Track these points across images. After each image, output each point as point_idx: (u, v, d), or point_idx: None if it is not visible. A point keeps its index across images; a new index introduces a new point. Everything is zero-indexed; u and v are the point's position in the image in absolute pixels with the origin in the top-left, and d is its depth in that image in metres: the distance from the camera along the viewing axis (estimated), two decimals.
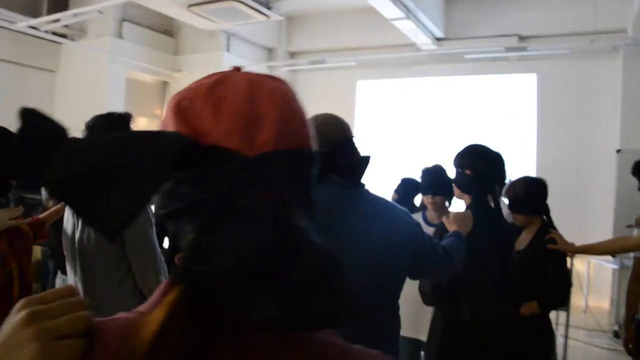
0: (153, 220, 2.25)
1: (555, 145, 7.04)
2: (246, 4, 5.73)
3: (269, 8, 6.05)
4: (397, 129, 8.08)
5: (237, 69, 0.66)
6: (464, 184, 2.27)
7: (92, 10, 5.58)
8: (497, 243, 2.17)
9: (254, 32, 8.45)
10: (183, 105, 0.60)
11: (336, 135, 1.73)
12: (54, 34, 7.87)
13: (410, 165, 7.48)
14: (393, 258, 1.65)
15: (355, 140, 1.80)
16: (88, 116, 7.58)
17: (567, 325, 4.15)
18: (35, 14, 7.63)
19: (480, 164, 2.23)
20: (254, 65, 8.24)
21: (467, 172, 2.25)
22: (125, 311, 2.19)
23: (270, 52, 9.10)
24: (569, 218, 6.40)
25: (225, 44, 8.25)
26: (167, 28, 8.69)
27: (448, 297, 2.20)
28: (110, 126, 2.29)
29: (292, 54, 9.12)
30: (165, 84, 8.81)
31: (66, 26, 8.12)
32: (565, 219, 6.02)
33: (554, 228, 2.80)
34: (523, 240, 2.86)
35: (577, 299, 5.74)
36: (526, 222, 2.84)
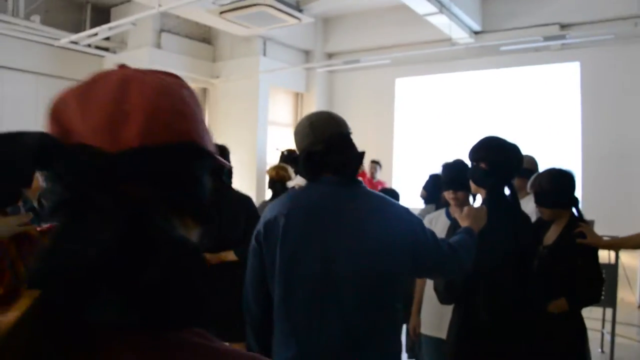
0: None
1: (600, 135, 6.73)
2: (276, 8, 5.75)
3: (299, 10, 6.06)
4: (437, 125, 7.93)
5: (121, 67, 0.64)
6: (479, 177, 2.18)
7: (126, 22, 5.74)
8: (515, 238, 2.07)
9: (290, 35, 8.49)
10: (57, 106, 0.59)
11: (329, 133, 1.69)
12: (97, 47, 8.17)
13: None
14: (389, 256, 1.59)
15: (350, 136, 1.76)
16: None
17: (613, 322, 3.95)
18: (79, 29, 7.94)
19: (495, 156, 2.14)
20: (290, 67, 8.27)
21: (482, 165, 2.17)
22: None
23: (307, 54, 9.12)
24: (614, 209, 6.12)
25: (262, 49, 8.33)
26: (205, 36, 8.86)
27: (464, 296, 2.13)
28: None
29: (330, 55, 9.10)
30: (205, 90, 8.97)
31: (108, 39, 8.42)
32: (610, 210, 5.83)
33: (584, 221, 2.66)
34: (551, 235, 2.73)
35: (627, 295, 5.45)
36: (553, 216, 2.71)
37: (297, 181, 4.20)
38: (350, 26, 8.76)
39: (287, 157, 5.37)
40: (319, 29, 8.99)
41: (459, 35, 6.99)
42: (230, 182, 3.32)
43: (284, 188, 4.37)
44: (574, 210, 2.73)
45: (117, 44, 8.39)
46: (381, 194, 1.76)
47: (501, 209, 2.10)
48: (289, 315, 1.62)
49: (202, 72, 8.53)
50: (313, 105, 9.05)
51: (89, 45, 8.05)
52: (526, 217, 2.24)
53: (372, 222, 1.62)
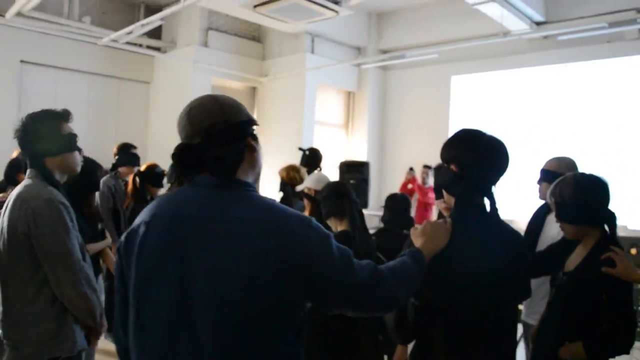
0: (73, 227, 1.97)
1: None
2: (309, 0, 5.38)
3: (336, 2, 5.64)
4: (496, 126, 7.22)
5: None
6: (448, 183, 1.68)
7: (156, 19, 5.59)
8: (490, 263, 1.55)
9: (340, 31, 8.11)
10: None
11: (209, 122, 1.31)
12: (149, 47, 8.18)
13: (513, 164, 6.61)
14: (265, 282, 1.18)
15: (245, 126, 1.35)
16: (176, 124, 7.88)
17: None
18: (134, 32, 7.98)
19: (467, 156, 1.63)
20: (337, 64, 7.86)
21: (452, 167, 1.66)
22: (44, 322, 1.95)
23: (359, 51, 8.67)
24: None
25: (309, 46, 7.99)
26: (254, 34, 8.65)
27: (417, 335, 1.63)
28: (42, 123, 2.06)
29: (383, 52, 8.59)
30: (254, 89, 8.75)
31: (159, 39, 8.43)
32: None
33: (617, 244, 2.05)
34: (574, 259, 2.15)
35: None
36: (578, 235, 2.13)
37: (307, 184, 3.79)
38: (405, 21, 8.25)
39: (310, 157, 4.96)
40: (373, 25, 8.53)
41: (519, 27, 6.26)
42: None
43: (295, 192, 3.97)
44: (606, 228, 2.13)
45: (168, 43, 8.37)
46: (273, 200, 1.33)
47: (472, 224, 1.58)
48: (140, 353, 1.25)
49: (250, 71, 8.32)
50: (365, 104, 8.60)
51: (140, 45, 8.09)
52: (514, 236, 1.70)
53: (247, 237, 1.21)
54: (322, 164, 6.24)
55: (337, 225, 2.63)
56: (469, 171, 1.63)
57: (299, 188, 3.88)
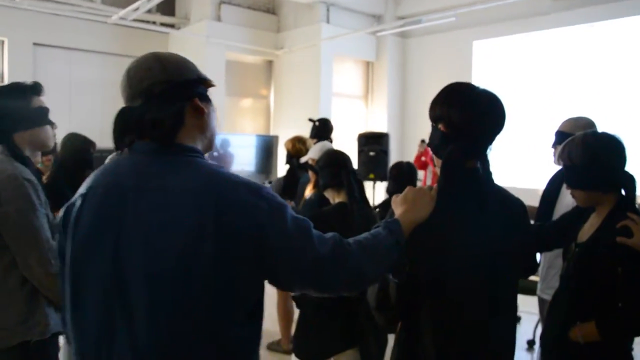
0: (41, 205, 1.86)
1: None
2: None
3: None
4: (522, 92, 6.90)
5: None
6: (435, 144, 1.49)
7: None
8: (482, 235, 1.37)
9: (355, 0, 7.83)
10: None
11: (149, 82, 1.17)
12: (162, 24, 8.06)
13: (538, 130, 6.32)
14: (210, 258, 1.05)
15: (191, 84, 1.20)
16: None
17: None
18: (148, 9, 7.86)
19: (454, 113, 1.43)
20: (352, 32, 7.59)
21: (440, 127, 1.47)
22: (13, 305, 1.85)
23: (378, 19, 8.36)
24: None
25: (325, 15, 7.74)
26: (269, 6, 8.43)
27: (402, 316, 1.46)
28: (9, 97, 1.95)
29: (402, 19, 8.27)
30: (270, 63, 8.56)
31: (173, 16, 8.30)
32: None
33: (636, 211, 1.83)
34: (588, 229, 1.94)
35: None
36: (591, 202, 1.91)
37: (310, 155, 3.63)
38: None
39: (319, 129, 4.78)
40: None
41: None
42: None
43: (300, 164, 3.81)
44: (623, 193, 1.91)
45: (181, 19, 8.23)
46: (220, 167, 1.18)
47: (461, 191, 1.40)
48: (78, 337, 1.14)
49: (266, 44, 8.13)
50: (384, 74, 8.33)
51: (154, 23, 7.98)
52: (513, 204, 1.50)
53: (184, 208, 1.07)
54: (341, 136, 6.07)
55: (334, 197, 2.47)
56: (457, 131, 1.43)
57: (303, 160, 3.72)
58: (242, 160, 7.74)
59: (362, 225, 2.32)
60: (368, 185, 8.01)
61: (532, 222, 2.70)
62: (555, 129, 2.81)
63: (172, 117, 1.17)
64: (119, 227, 1.11)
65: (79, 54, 7.65)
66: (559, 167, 2.76)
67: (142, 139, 1.17)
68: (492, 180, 1.47)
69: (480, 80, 7.38)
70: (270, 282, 1.18)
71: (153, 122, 1.14)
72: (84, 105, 7.61)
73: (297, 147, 3.91)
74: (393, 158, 7.61)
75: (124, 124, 1.18)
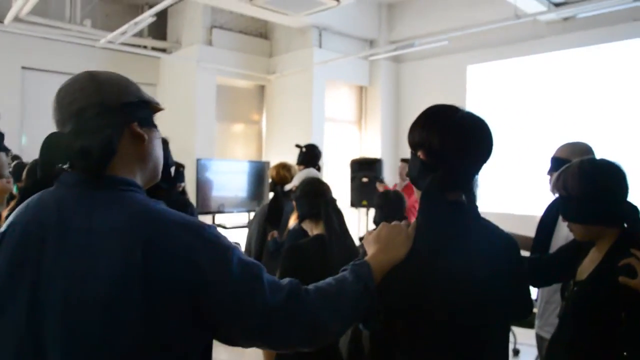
0: None
1: None
2: None
3: None
4: (517, 117, 6.78)
5: None
6: (415, 174, 1.33)
7: (147, 17, 5.33)
8: (467, 277, 1.20)
9: (348, 24, 7.76)
10: None
11: (78, 105, 1.02)
12: (154, 49, 7.98)
13: (535, 156, 6.18)
14: (136, 311, 0.89)
15: (129, 107, 1.06)
16: (184, 126, 7.53)
17: None
18: (138, 32, 7.79)
19: (435, 139, 1.28)
20: (344, 57, 7.50)
21: (419, 154, 1.31)
22: None
23: (371, 44, 8.29)
24: None
25: (317, 40, 7.65)
26: (261, 31, 8.36)
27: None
28: None
29: (395, 43, 8.20)
30: (262, 87, 8.46)
31: (164, 40, 8.23)
32: None
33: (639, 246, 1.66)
34: (587, 266, 1.78)
35: None
36: (590, 236, 1.75)
37: (295, 183, 3.48)
38: (417, 11, 7.86)
39: (307, 154, 4.63)
40: (384, 15, 8.15)
41: (537, 9, 5.80)
42: (168, 186, 2.61)
43: (285, 192, 3.65)
44: (625, 227, 1.75)
45: (173, 43, 8.15)
46: (156, 203, 1.01)
47: (442, 227, 1.24)
48: None
49: (258, 69, 8.04)
50: (378, 99, 8.22)
51: (145, 47, 7.89)
52: (503, 240, 1.33)
53: (109, 252, 0.91)
54: (334, 162, 5.92)
55: (312, 229, 2.31)
56: (438, 159, 1.27)
57: (287, 187, 3.57)
58: (234, 186, 7.60)
59: (341, 259, 2.15)
60: (361, 212, 7.84)
61: (527, 253, 2.52)
62: (551, 154, 2.66)
63: (102, 145, 1.01)
64: (37, 274, 0.95)
65: (68, 78, 7.54)
66: (554, 196, 2.61)
67: (73, 169, 1.02)
68: (478, 215, 1.30)
69: (475, 104, 7.27)
70: (213, 336, 1.01)
71: (82, 150, 0.99)
72: None
73: (281, 174, 3.76)
74: (387, 184, 7.46)
75: (51, 153, 1.02)
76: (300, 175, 3.36)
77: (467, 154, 1.27)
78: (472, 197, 1.29)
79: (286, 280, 1.07)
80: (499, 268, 1.25)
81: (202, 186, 7.11)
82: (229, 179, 7.56)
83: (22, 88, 7.05)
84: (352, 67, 8.02)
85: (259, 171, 7.70)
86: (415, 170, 1.33)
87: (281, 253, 3.06)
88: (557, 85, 6.42)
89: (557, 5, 5.98)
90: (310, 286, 1.10)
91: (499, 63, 7.00)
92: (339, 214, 2.32)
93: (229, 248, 0.99)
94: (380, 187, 5.37)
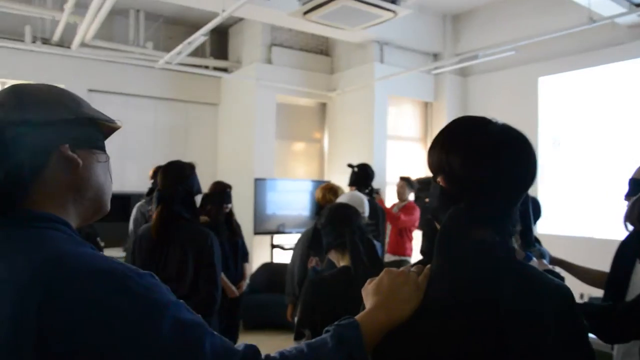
0: None
1: None
2: (359, 0, 4.85)
3: (393, 2, 5.05)
4: (594, 131, 6.20)
5: None
6: (435, 205, 1.05)
7: (199, 35, 5.30)
8: (493, 347, 0.90)
9: (411, 37, 7.48)
10: None
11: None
12: (216, 69, 8.05)
13: (614, 170, 5.61)
14: None
15: (59, 126, 0.87)
16: (243, 145, 7.50)
17: None
18: (201, 54, 7.91)
19: (457, 161, 1.00)
20: (406, 72, 7.20)
21: (439, 180, 1.04)
22: None
23: (435, 57, 7.94)
24: None
25: (378, 54, 7.41)
26: (322, 47, 8.23)
27: None
28: None
29: (460, 56, 7.82)
30: (323, 105, 8.31)
31: (226, 59, 8.29)
32: None
33: None
34: None
35: None
36: None
37: None
38: (484, 21, 7.45)
39: (359, 175, 4.37)
40: (448, 28, 7.80)
41: (611, 10, 5.27)
42: (191, 215, 2.43)
43: None
44: None
45: (234, 63, 8.18)
46: (77, 245, 0.80)
47: (466, 275, 0.95)
48: None
49: (319, 86, 7.89)
50: (444, 115, 7.84)
51: (207, 67, 7.97)
52: (552, 292, 1.02)
53: (2, 307, 0.70)
54: (397, 181, 5.58)
55: (339, 260, 2.05)
56: (460, 186, 1.00)
57: None
58: (295, 206, 7.46)
59: None
60: None
61: (601, 298, 2.14)
62: (629, 175, 2.26)
63: (9, 173, 0.81)
64: None
65: (133, 99, 7.72)
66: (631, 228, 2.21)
67: None
68: (512, 258, 1.00)
69: (548, 119, 6.75)
70: None
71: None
72: (136, 148, 7.62)
73: (327, 198, 3.52)
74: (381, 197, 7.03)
75: None
76: (342, 199, 3.11)
77: (499, 180, 0.98)
78: (505, 235, 1.00)
79: (241, 345, 0.83)
80: (540, 332, 0.95)
81: (260, 206, 6.99)
82: (290, 198, 7.42)
83: None
84: (415, 81, 7.71)
85: None
86: (435, 199, 1.05)
87: None
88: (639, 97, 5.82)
89: (638, 5, 5.40)
90: (275, 354, 0.85)
91: (574, 73, 6.46)
92: (368, 243, 2.05)
93: (162, 304, 0.77)
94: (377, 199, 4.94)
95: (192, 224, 2.36)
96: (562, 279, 1.66)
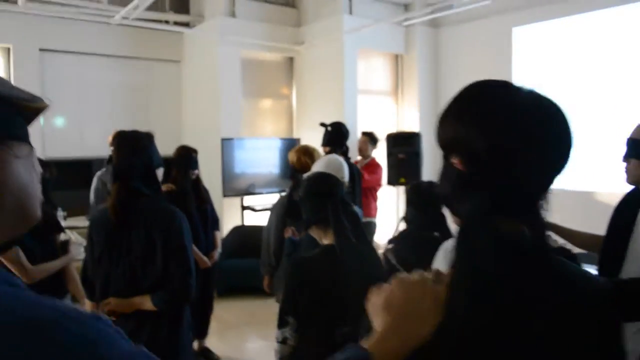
0: None
1: None
2: None
3: None
4: (570, 85, 6.09)
5: None
6: (448, 191, 0.87)
7: None
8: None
9: None
10: None
11: None
12: (176, 23, 7.62)
13: (592, 123, 5.54)
14: None
15: None
16: (209, 104, 7.14)
17: None
18: (160, 8, 7.44)
19: (481, 138, 0.81)
20: (376, 24, 6.91)
21: (454, 161, 0.85)
22: None
23: (405, 7, 7.66)
24: None
25: (347, 6, 7.10)
26: None
27: None
28: None
29: (432, 6, 7.55)
30: (290, 59, 7.98)
31: (188, 14, 7.85)
32: None
33: None
34: None
35: None
36: None
37: (313, 171, 3.03)
38: None
39: (332, 134, 4.16)
40: None
41: None
42: (152, 191, 2.17)
43: None
44: None
45: (196, 17, 7.73)
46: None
47: (491, 280, 0.77)
48: None
49: (285, 40, 7.55)
50: (415, 68, 7.63)
51: (167, 22, 7.52)
52: (589, 293, 0.85)
53: None
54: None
55: (321, 237, 1.87)
56: (484, 169, 0.81)
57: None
58: (265, 165, 7.21)
59: (357, 274, 1.72)
60: (400, 190, 7.35)
61: (592, 269, 2.03)
62: (619, 134, 2.12)
63: None
64: None
65: (88, 58, 7.24)
66: (629, 187, 2.08)
67: None
68: (548, 257, 0.83)
69: (522, 72, 6.61)
70: None
71: None
72: (95, 110, 7.22)
73: (302, 161, 3.30)
74: (426, 160, 6.94)
75: None
76: (319, 164, 2.91)
77: (531, 159, 0.80)
78: (539, 226, 0.82)
79: None
80: (579, 343, 0.79)
81: (228, 167, 6.74)
82: (259, 158, 7.17)
83: (42, 71, 6.80)
84: (385, 34, 7.43)
85: (290, 148, 7.26)
86: (448, 184, 0.86)
87: None
88: (618, 47, 5.70)
89: None
90: None
91: (549, 23, 6.29)
92: (353, 218, 1.87)
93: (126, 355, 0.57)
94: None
95: (154, 202, 2.12)
96: (574, 257, 1.52)
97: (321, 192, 1.85)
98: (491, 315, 0.76)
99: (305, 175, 2.96)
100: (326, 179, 1.94)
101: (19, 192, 0.69)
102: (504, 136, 0.79)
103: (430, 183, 2.43)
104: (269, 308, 5.76)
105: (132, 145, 2.10)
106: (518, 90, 0.85)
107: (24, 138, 0.72)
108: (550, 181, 0.83)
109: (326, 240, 1.84)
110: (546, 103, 0.83)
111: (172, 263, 2.05)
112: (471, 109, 0.84)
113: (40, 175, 0.76)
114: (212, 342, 4.37)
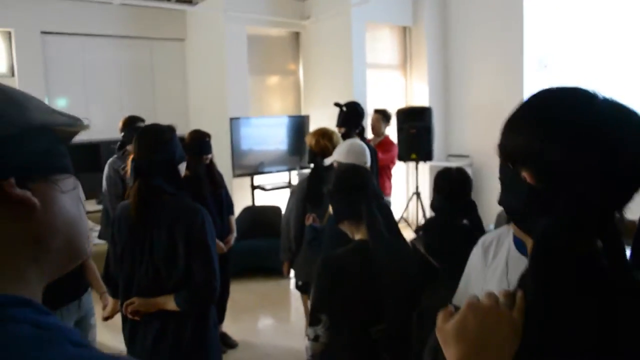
0: None
1: None
2: None
3: None
4: (586, 58, 5.95)
5: None
6: (515, 206, 0.81)
7: None
8: None
9: None
10: None
11: None
12: (178, 1, 7.46)
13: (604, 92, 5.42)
14: None
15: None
16: (215, 83, 6.99)
17: None
18: None
19: (557, 151, 0.74)
20: None
21: (524, 174, 0.79)
22: None
23: None
24: None
25: None
26: None
27: None
28: None
29: None
30: (297, 35, 7.83)
31: None
32: None
33: None
34: None
35: None
36: None
37: (335, 157, 2.96)
38: None
39: (348, 115, 4.08)
40: None
41: None
42: (175, 188, 2.11)
43: (325, 167, 3.14)
44: None
45: None
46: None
47: (571, 305, 0.71)
48: None
49: (291, 14, 7.39)
50: (423, 41, 7.47)
51: (169, 1, 7.37)
52: None
53: None
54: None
55: (353, 232, 1.81)
56: (560, 184, 0.75)
57: (328, 161, 3.05)
58: (274, 144, 7.12)
59: (392, 269, 1.67)
60: (410, 166, 7.27)
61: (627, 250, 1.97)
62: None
63: None
64: None
65: (91, 40, 7.12)
66: None
67: None
68: (628, 273, 0.77)
69: (534, 44, 6.46)
70: None
71: None
72: (100, 92, 7.14)
73: (321, 144, 3.21)
74: (438, 135, 6.85)
75: None
76: (342, 149, 2.82)
77: (612, 174, 0.73)
78: (617, 243, 0.76)
79: None
80: None
81: (237, 147, 6.66)
82: (267, 136, 7.08)
83: (44, 54, 6.70)
84: (393, 6, 7.27)
85: (298, 126, 7.17)
86: (516, 200, 0.80)
87: (321, 244, 2.61)
88: (635, 15, 5.54)
89: None
90: None
91: None
92: (386, 212, 1.81)
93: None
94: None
95: (177, 199, 2.06)
96: None
97: (354, 186, 1.79)
98: (572, 346, 0.71)
99: (329, 161, 2.89)
100: (358, 173, 1.87)
101: (67, 230, 0.63)
102: (584, 150, 0.73)
103: (458, 170, 2.36)
104: (282, 290, 5.78)
105: (153, 141, 2.04)
106: (593, 97, 0.78)
107: (68, 169, 0.66)
108: (629, 197, 0.77)
109: (358, 235, 1.78)
110: (627, 113, 0.77)
111: (196, 263, 2.00)
112: (550, 119, 0.77)
113: (84, 206, 0.71)
114: (227, 325, 4.36)
